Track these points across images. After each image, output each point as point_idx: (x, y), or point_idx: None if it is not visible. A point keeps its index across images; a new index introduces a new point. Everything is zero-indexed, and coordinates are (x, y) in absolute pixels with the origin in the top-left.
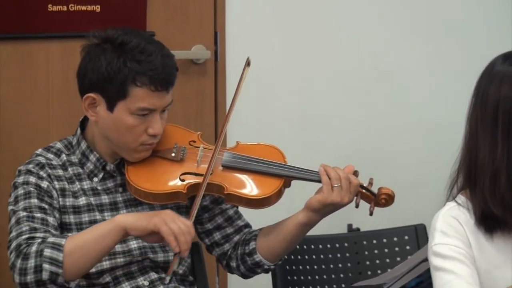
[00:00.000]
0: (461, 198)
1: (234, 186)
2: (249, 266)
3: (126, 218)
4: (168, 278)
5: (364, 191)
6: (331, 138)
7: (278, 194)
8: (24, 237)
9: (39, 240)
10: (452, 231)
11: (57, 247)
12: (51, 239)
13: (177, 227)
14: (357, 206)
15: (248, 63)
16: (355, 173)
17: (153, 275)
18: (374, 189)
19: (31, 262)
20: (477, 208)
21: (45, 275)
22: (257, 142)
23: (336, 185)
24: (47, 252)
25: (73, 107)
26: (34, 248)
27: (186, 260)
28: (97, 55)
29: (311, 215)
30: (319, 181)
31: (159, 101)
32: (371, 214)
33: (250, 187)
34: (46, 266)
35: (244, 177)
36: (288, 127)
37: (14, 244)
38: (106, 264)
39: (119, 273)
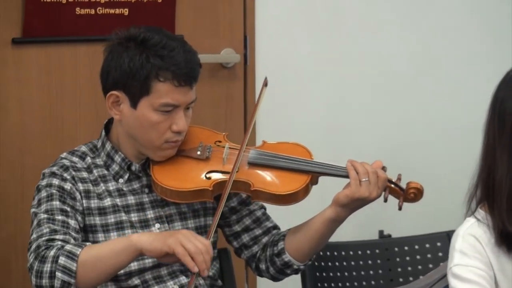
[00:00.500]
0: (480, 213)
1: (261, 182)
2: (278, 267)
3: (142, 239)
4: None
5: (392, 185)
6: (361, 143)
7: (305, 190)
8: (44, 239)
9: (59, 244)
10: (472, 251)
11: (71, 256)
12: (68, 247)
13: (193, 246)
14: (385, 200)
15: (265, 84)
16: (383, 169)
17: (183, 279)
18: (403, 184)
19: (47, 267)
20: (496, 227)
21: (57, 283)
22: (284, 141)
23: (364, 180)
24: (62, 260)
25: (100, 112)
26: (52, 253)
27: (215, 264)
28: (119, 53)
29: (339, 210)
30: (347, 176)
31: (183, 97)
32: (400, 208)
33: (276, 183)
34: (58, 274)
35: (270, 174)
36: (317, 131)
37: (34, 245)
38: (134, 265)
39: (148, 277)
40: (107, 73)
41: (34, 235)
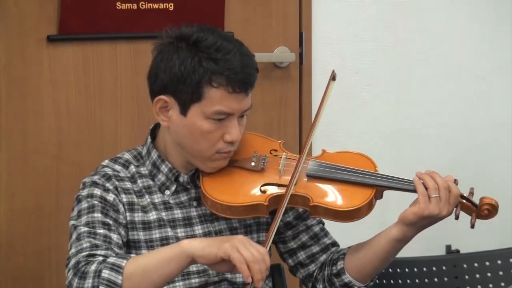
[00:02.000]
0: None
1: (321, 197)
2: None
3: (194, 244)
4: None
5: (464, 201)
6: (428, 149)
7: (369, 206)
8: (83, 254)
9: (100, 258)
10: None
11: (116, 268)
12: (111, 259)
13: (250, 254)
14: (457, 217)
15: (333, 77)
16: (455, 182)
17: None
18: (475, 199)
19: (89, 283)
20: None
21: None
22: (346, 150)
23: (434, 196)
24: (105, 273)
25: (142, 115)
26: (93, 268)
27: (267, 283)
28: (169, 54)
29: (406, 229)
30: (415, 191)
31: (237, 104)
32: (472, 226)
33: (338, 198)
34: None
35: (331, 188)
36: (380, 137)
37: (73, 261)
38: (179, 285)
39: None
40: (155, 75)
41: (73, 250)
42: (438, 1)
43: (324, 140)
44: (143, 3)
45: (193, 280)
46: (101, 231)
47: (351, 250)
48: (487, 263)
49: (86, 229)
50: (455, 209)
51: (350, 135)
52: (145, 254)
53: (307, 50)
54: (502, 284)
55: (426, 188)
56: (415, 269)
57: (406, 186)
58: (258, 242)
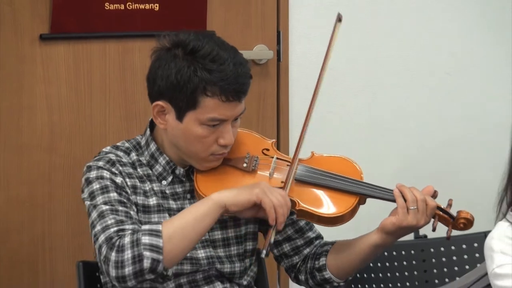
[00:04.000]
0: (511, 215)
1: (307, 201)
2: (318, 281)
3: (225, 194)
4: (264, 252)
5: (442, 213)
6: (400, 141)
7: (352, 212)
8: (112, 230)
9: (130, 231)
10: (511, 250)
11: (155, 233)
12: (146, 227)
13: (276, 198)
14: (433, 230)
15: (339, 19)
16: (435, 194)
17: (218, 285)
18: (453, 211)
19: (128, 253)
20: None
21: (146, 264)
22: (334, 155)
23: (412, 208)
24: (146, 239)
25: (130, 109)
26: (128, 239)
27: (252, 269)
28: (167, 62)
29: (385, 237)
30: (395, 201)
31: (231, 111)
32: (448, 238)
33: (323, 203)
34: (147, 253)
35: (317, 193)
36: (355, 130)
37: (102, 237)
38: (171, 269)
39: (183, 281)
40: (153, 80)
41: (99, 227)
42: (410, 2)
43: (315, 149)
44: (130, 3)
45: (185, 267)
46: (121, 208)
47: (333, 249)
48: (453, 248)
49: (107, 207)
50: (432, 220)
51: (327, 129)
52: (178, 215)
53: (284, 48)
54: (467, 267)
55: (405, 200)
56: (386, 253)
57: (387, 196)
58: (246, 233)
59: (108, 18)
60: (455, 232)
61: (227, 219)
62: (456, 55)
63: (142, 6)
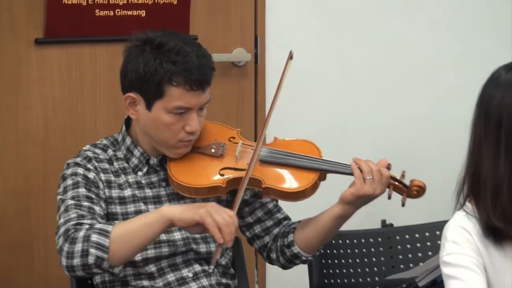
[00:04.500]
0: (468, 206)
1: (272, 180)
2: (288, 258)
3: (172, 210)
4: (212, 267)
5: (396, 183)
6: (366, 137)
7: (314, 187)
8: (72, 223)
9: (87, 226)
10: (462, 240)
11: (104, 233)
12: (98, 225)
13: (221, 218)
14: (389, 197)
15: (291, 57)
16: (388, 166)
17: (197, 267)
18: (406, 181)
19: (78, 246)
20: (482, 220)
21: (91, 259)
22: (295, 138)
23: (368, 178)
24: (94, 237)
25: (118, 108)
26: (81, 234)
27: (228, 252)
28: (136, 56)
29: (346, 207)
30: (352, 174)
31: (195, 100)
32: (403, 205)
33: (286, 180)
34: (92, 250)
35: (281, 171)
36: (326, 127)
37: (62, 229)
38: (151, 252)
39: (164, 264)
40: (125, 74)
41: (62, 220)
42: (375, 10)
43: (276, 130)
44: (119, 10)
45: (163, 249)
46: (85, 203)
47: (300, 225)
48: (417, 235)
49: (72, 202)
50: (388, 189)
51: (299, 125)
52: (129, 220)
53: (261, 51)
54: (430, 253)
55: (361, 171)
56: (355, 241)
57: (345, 170)
58: None
59: (98, 24)
60: (419, 221)
61: (201, 202)
62: (419, 57)
63: (130, 13)
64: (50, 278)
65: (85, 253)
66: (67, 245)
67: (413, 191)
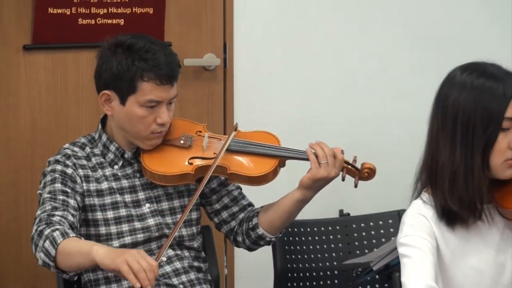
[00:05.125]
0: (425, 195)
1: (236, 166)
2: (253, 239)
3: (98, 253)
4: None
5: (349, 166)
6: (326, 135)
7: (274, 172)
8: (46, 213)
9: (57, 224)
10: (419, 224)
11: (53, 243)
12: (56, 232)
13: (137, 265)
14: (343, 179)
15: (235, 128)
16: (342, 152)
17: (170, 252)
18: (358, 165)
19: (41, 243)
20: (438, 205)
21: (40, 261)
22: (256, 130)
23: (323, 162)
24: (46, 243)
25: (100, 108)
26: (47, 232)
27: (199, 238)
28: (109, 57)
29: (305, 192)
30: (308, 159)
31: (165, 94)
32: (355, 186)
33: (249, 167)
34: (41, 255)
35: (244, 159)
36: (287, 123)
37: (37, 219)
38: (128, 239)
39: (139, 249)
40: (99, 75)
41: (39, 211)
42: (334, 16)
43: (243, 128)
44: (100, 19)
45: (138, 235)
46: (60, 197)
47: (263, 209)
48: (371, 224)
49: (49, 195)
50: (341, 172)
51: (265, 124)
52: (77, 241)
53: (230, 56)
54: (383, 240)
55: (317, 156)
56: (315, 229)
57: (301, 156)
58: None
59: (81, 32)
60: (373, 210)
61: (172, 192)
62: (374, 61)
63: (109, 21)
64: (37, 265)
65: (38, 252)
66: (36, 237)
67: (364, 173)
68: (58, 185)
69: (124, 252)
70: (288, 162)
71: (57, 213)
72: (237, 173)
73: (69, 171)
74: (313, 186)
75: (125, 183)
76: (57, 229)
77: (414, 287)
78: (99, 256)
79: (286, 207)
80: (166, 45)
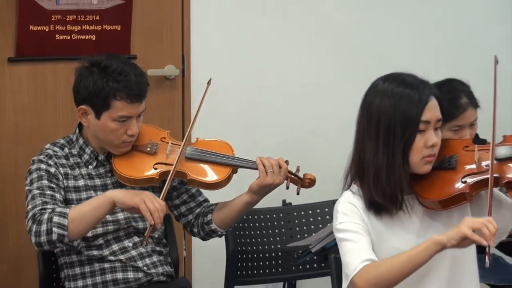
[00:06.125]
0: (354, 187)
1: (195, 173)
2: (206, 232)
3: (115, 194)
4: (144, 244)
5: (292, 176)
6: (271, 135)
7: (228, 179)
8: (38, 208)
9: (50, 210)
10: (350, 212)
11: (63, 215)
12: (58, 209)
13: (152, 205)
14: (287, 187)
15: (209, 82)
16: (286, 162)
17: (136, 239)
18: (301, 174)
19: (44, 227)
20: (366, 198)
21: (54, 236)
22: (213, 139)
23: (269, 171)
24: (56, 219)
25: (74, 113)
26: (46, 216)
27: (161, 228)
28: (86, 76)
29: (253, 196)
30: (257, 168)
31: (134, 110)
32: (298, 194)
33: (206, 174)
34: (55, 229)
35: (202, 166)
36: (237, 127)
37: (30, 213)
38: (99, 230)
39: (110, 237)
40: (77, 90)
41: (30, 206)
42: (280, 34)
43: (200, 130)
44: (74, 35)
45: (109, 227)
46: (48, 192)
47: (217, 207)
48: (310, 212)
49: (38, 191)
50: (286, 181)
51: (218, 127)
52: (82, 204)
53: (187, 67)
54: (320, 225)
55: (264, 166)
56: (262, 216)
57: (252, 166)
58: None
59: (58, 46)
60: (312, 200)
61: (138, 190)
62: (315, 71)
63: (83, 37)
64: (22, 249)
65: (49, 232)
66: (35, 226)
67: (306, 182)
68: (45, 182)
69: (140, 193)
70: (240, 169)
71: (48, 206)
72: (195, 179)
73: (52, 169)
74: (260, 191)
75: (98, 181)
76: (55, 208)
77: (357, 262)
78: (117, 196)
79: (236, 208)
80: (136, 66)
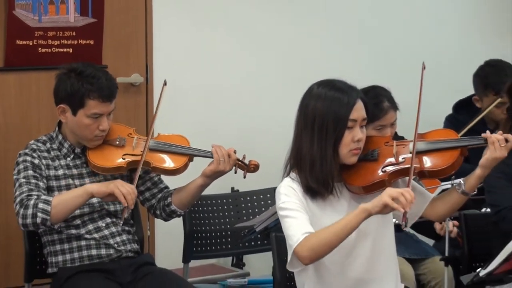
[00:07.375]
0: (293, 174)
1: (157, 162)
2: (167, 213)
3: (93, 187)
4: (121, 223)
5: (240, 162)
6: (224, 133)
7: (185, 167)
8: (25, 194)
9: (35, 196)
10: (291, 193)
11: (47, 202)
12: (43, 197)
13: (125, 189)
14: (235, 172)
15: (165, 83)
16: (235, 152)
17: (108, 219)
18: (246, 161)
19: (30, 211)
20: (303, 184)
21: (38, 220)
22: (172, 133)
23: (221, 159)
24: (40, 205)
25: (55, 115)
26: (32, 202)
27: (130, 210)
28: (65, 80)
29: (206, 179)
30: (212, 157)
31: (106, 108)
32: (244, 177)
33: (167, 162)
34: (39, 214)
35: (163, 156)
36: (195, 127)
37: (18, 199)
38: (77, 212)
39: (86, 218)
40: (57, 92)
41: (17, 193)
42: (231, 45)
43: (163, 128)
44: (54, 48)
45: (85, 210)
46: (33, 181)
47: (175, 191)
48: (255, 197)
49: (24, 180)
50: (234, 167)
51: (177, 126)
52: (64, 193)
53: (150, 75)
54: (263, 209)
55: (218, 155)
56: (213, 201)
57: (207, 154)
58: None
59: (41, 58)
60: (257, 186)
61: (110, 179)
62: (261, 79)
63: (62, 50)
64: (10, 230)
65: (34, 216)
66: (22, 210)
67: (251, 168)
68: (30, 172)
69: (113, 181)
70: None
71: (33, 193)
72: (157, 167)
73: (36, 161)
74: (212, 176)
75: (75, 171)
76: (40, 196)
77: (298, 235)
78: (94, 188)
79: (191, 190)
80: (107, 72)
